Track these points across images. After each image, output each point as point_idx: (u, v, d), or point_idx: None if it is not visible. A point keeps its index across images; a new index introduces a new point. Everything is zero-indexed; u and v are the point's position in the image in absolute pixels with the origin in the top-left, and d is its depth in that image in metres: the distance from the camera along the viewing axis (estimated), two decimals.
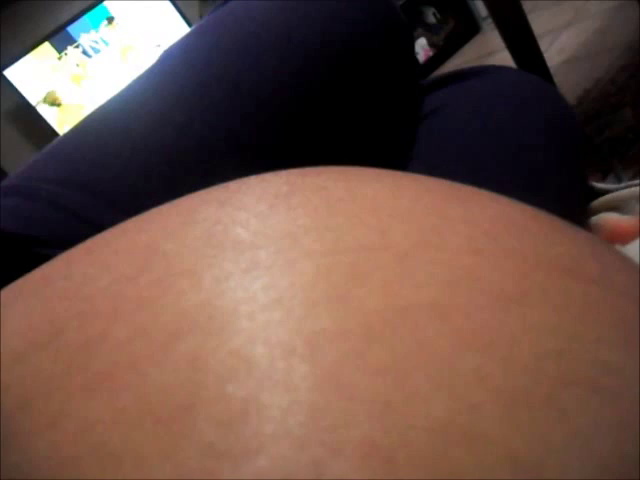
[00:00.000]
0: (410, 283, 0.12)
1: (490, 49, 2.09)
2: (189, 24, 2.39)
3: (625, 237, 0.39)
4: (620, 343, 0.12)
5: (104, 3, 2.28)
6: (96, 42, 2.31)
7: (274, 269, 0.12)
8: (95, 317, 0.12)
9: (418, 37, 2.39)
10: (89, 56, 2.30)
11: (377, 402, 0.10)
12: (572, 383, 0.10)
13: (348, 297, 0.11)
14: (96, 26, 2.30)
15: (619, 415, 0.10)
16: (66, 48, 2.26)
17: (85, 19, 2.28)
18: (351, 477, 0.09)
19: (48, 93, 2.25)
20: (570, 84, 1.21)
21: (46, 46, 2.23)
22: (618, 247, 0.38)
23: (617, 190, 0.45)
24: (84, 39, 2.29)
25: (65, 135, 0.37)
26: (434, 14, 2.46)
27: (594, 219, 0.44)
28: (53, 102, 2.24)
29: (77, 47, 2.28)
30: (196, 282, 0.12)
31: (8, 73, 2.18)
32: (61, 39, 2.26)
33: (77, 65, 2.28)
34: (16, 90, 2.19)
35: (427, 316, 0.11)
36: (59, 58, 2.26)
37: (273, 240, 0.13)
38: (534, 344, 0.11)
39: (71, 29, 2.27)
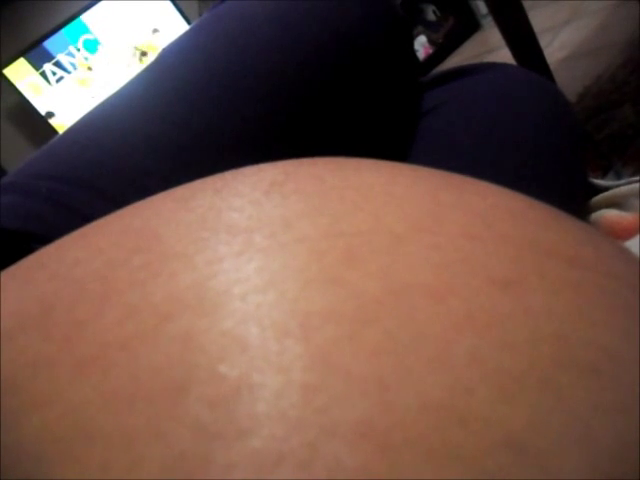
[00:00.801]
0: (405, 266, 0.12)
1: (490, 46, 2.08)
2: (189, 23, 2.38)
3: (625, 233, 0.39)
4: (618, 328, 0.11)
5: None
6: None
7: (268, 252, 0.12)
8: (85, 298, 0.12)
9: (418, 35, 2.39)
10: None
11: (372, 382, 0.10)
12: (570, 366, 0.10)
13: (342, 279, 0.11)
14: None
15: (618, 399, 0.10)
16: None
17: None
18: (345, 458, 0.09)
19: None
20: (570, 81, 1.21)
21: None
22: None
23: (617, 187, 0.45)
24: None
25: (64, 132, 0.37)
26: (434, 11, 2.45)
27: (594, 216, 0.44)
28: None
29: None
30: (189, 264, 0.12)
31: (8, 71, 2.18)
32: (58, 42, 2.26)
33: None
34: (16, 89, 2.19)
35: (422, 298, 0.11)
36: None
37: (267, 224, 0.13)
38: (530, 327, 0.11)
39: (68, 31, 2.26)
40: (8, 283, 0.15)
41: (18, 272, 0.15)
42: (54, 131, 2.23)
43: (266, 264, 0.12)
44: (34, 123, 2.25)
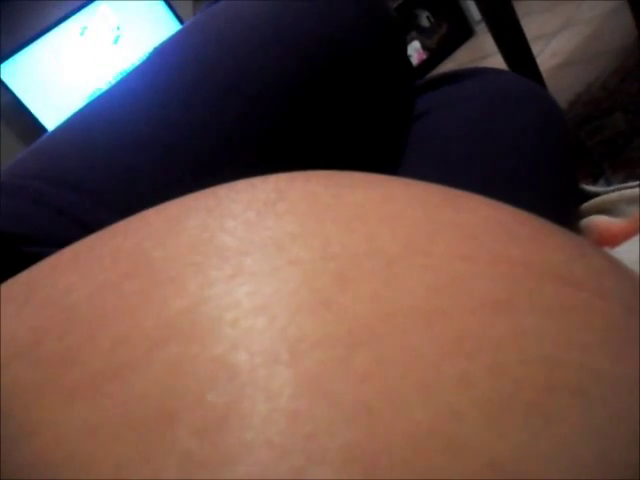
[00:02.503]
0: (396, 289, 0.12)
1: (483, 53, 2.10)
2: (182, 23, 2.38)
3: (614, 240, 0.39)
4: (607, 349, 0.11)
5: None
6: None
7: (259, 276, 0.12)
8: (77, 326, 0.12)
9: (412, 40, 2.40)
10: None
11: (360, 409, 0.10)
12: (557, 389, 0.10)
13: (333, 303, 0.11)
14: None
15: (605, 422, 0.10)
16: None
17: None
18: None
19: None
20: (562, 88, 1.22)
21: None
22: (607, 250, 0.38)
23: (607, 193, 0.45)
24: None
25: (52, 131, 0.37)
26: (428, 17, 2.47)
27: (584, 222, 0.44)
28: None
29: None
30: (180, 289, 0.12)
31: (3, 69, 2.17)
32: None
33: None
34: (9, 88, 2.18)
35: (412, 322, 0.11)
36: None
37: (259, 247, 0.13)
38: (520, 350, 0.11)
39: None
40: (1, 308, 0.15)
41: (9, 294, 0.15)
42: (47, 131, 2.22)
43: (258, 288, 0.12)
44: (27, 123, 2.24)
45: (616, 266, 0.15)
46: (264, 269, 0.12)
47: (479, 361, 0.10)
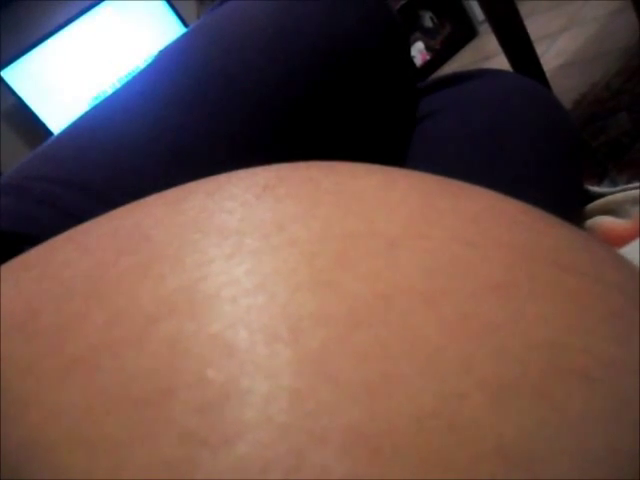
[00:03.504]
0: (397, 270, 0.12)
1: (487, 53, 2.09)
2: (186, 25, 2.39)
3: (619, 240, 0.39)
4: (611, 335, 0.11)
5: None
6: None
7: (258, 255, 0.12)
8: (73, 300, 0.12)
9: (415, 41, 2.40)
10: None
11: (361, 388, 0.09)
12: (563, 373, 0.10)
13: (333, 282, 0.11)
14: None
15: (611, 407, 0.10)
16: None
17: None
18: (334, 465, 0.09)
19: None
20: (566, 88, 1.21)
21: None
22: None
23: (612, 194, 0.45)
24: None
25: (59, 134, 0.37)
26: (431, 18, 2.46)
27: (589, 222, 0.44)
28: None
29: None
30: (178, 266, 0.12)
31: (6, 73, 2.18)
32: None
33: None
34: (14, 91, 2.19)
35: (414, 303, 0.11)
36: None
37: (259, 226, 0.13)
38: (524, 334, 0.11)
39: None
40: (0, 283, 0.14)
41: (7, 272, 0.15)
42: (52, 134, 2.23)
43: (257, 267, 0.12)
44: (31, 125, 2.24)
45: (619, 258, 0.15)
46: (263, 248, 0.12)
47: (483, 343, 0.10)
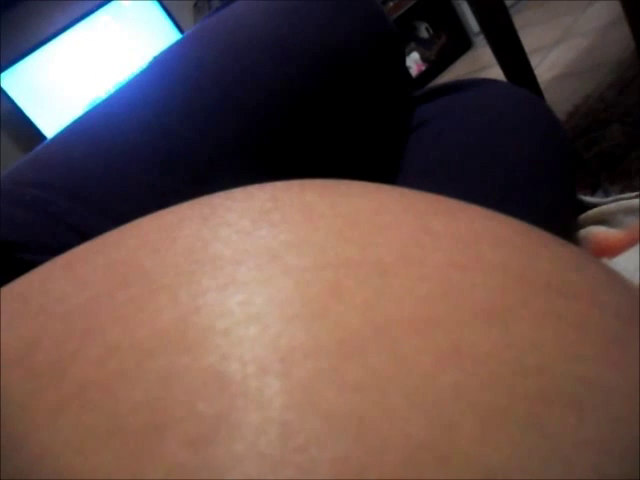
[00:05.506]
0: (390, 298, 0.12)
1: (482, 64, 2.11)
2: (182, 32, 2.39)
3: (612, 250, 0.39)
4: (603, 359, 0.11)
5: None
6: None
7: (252, 285, 0.12)
8: (69, 335, 0.12)
9: (411, 51, 2.41)
10: None
11: (352, 420, 0.09)
12: (552, 400, 0.10)
13: (325, 313, 0.11)
14: None
15: (601, 435, 0.10)
16: None
17: None
18: None
19: None
20: (560, 100, 1.22)
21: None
22: (605, 260, 0.38)
23: (605, 204, 0.45)
24: None
25: (50, 139, 0.37)
26: (427, 29, 2.48)
27: (582, 232, 0.44)
28: None
29: None
30: (173, 298, 0.12)
31: (1, 80, 2.18)
32: None
33: None
34: (9, 97, 2.19)
35: (406, 332, 0.11)
36: None
37: (253, 256, 0.13)
38: (514, 360, 0.11)
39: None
40: None
41: (6, 305, 0.15)
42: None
43: (250, 297, 0.12)
44: (27, 131, 2.24)
45: (613, 277, 0.15)
46: (257, 278, 0.12)
47: (473, 372, 0.10)
